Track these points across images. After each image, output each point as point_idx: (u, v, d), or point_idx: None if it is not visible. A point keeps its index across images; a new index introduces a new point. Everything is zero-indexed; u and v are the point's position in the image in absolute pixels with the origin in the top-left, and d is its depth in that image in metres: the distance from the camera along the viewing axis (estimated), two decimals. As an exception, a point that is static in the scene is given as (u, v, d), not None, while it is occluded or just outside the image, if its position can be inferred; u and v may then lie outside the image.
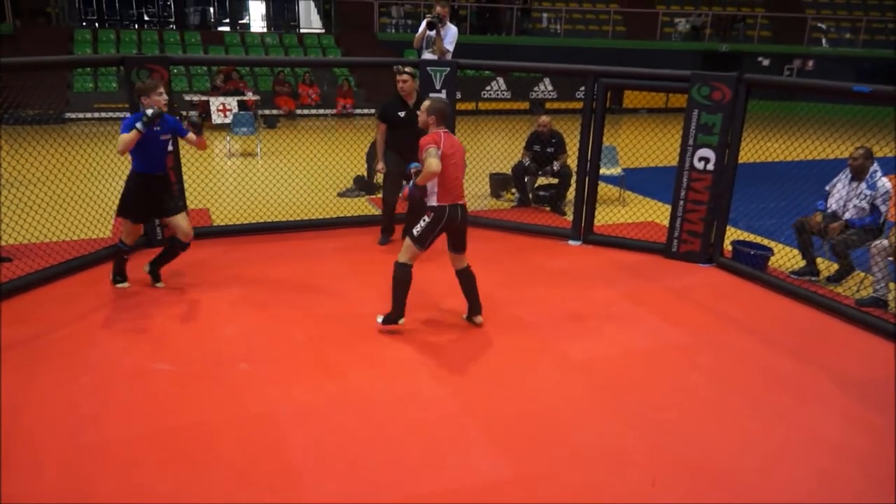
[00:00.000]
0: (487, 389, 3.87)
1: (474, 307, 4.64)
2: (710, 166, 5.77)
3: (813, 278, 5.70)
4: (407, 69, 6.13)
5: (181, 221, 4.93)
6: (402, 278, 4.36)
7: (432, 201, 4.26)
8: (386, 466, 3.15)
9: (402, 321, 4.45)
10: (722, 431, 3.52)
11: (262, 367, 4.02)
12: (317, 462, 3.17)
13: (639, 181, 8.73)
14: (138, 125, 4.48)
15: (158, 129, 4.68)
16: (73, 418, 3.45)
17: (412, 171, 4.37)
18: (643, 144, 7.22)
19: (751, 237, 6.61)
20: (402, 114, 6.09)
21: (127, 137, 4.47)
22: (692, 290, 5.44)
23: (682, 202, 5.98)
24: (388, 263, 5.63)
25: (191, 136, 4.95)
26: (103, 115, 13.78)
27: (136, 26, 18.96)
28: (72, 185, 5.69)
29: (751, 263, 5.74)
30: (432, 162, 4.07)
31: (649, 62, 18.11)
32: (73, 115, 13.97)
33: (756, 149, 6.83)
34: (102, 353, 4.13)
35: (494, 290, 5.31)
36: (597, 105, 6.16)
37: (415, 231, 4.29)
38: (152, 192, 4.81)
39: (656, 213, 7.21)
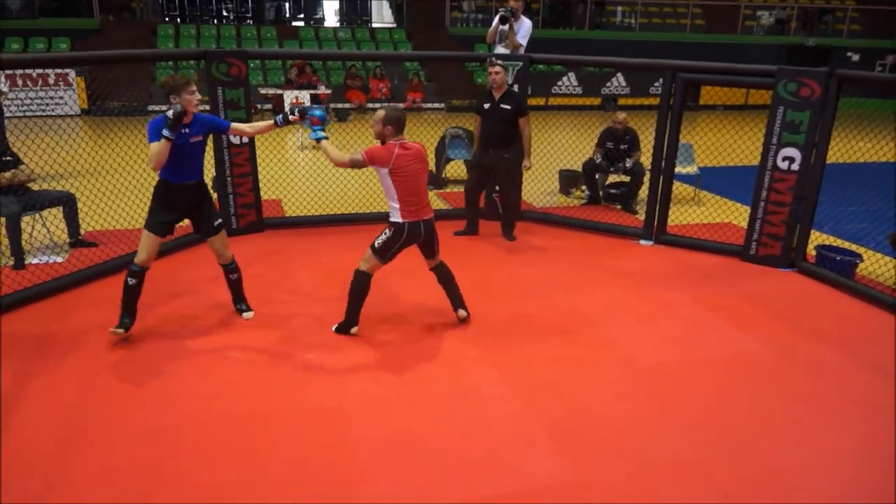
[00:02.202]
0: (551, 390, 3.79)
1: (456, 300, 4.52)
2: (796, 166, 5.49)
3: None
4: (499, 62, 6.18)
5: (216, 244, 4.40)
6: (359, 287, 4.23)
7: (393, 216, 4.12)
8: (446, 464, 3.12)
9: (355, 329, 4.32)
10: (798, 449, 3.32)
11: (328, 357, 4.06)
12: (377, 455, 3.17)
13: (715, 180, 8.41)
14: (165, 132, 3.88)
15: (187, 130, 4.07)
16: (147, 400, 3.57)
17: (295, 113, 4.33)
18: (721, 142, 6.96)
19: (837, 242, 6.27)
20: (486, 105, 6.21)
21: (157, 147, 3.88)
22: (770, 296, 5.19)
23: (762, 203, 5.72)
24: (457, 257, 5.60)
25: (238, 125, 4.55)
26: (183, 107, 14.24)
27: (216, 21, 19.51)
28: (153, 175, 5.87)
29: (837, 270, 5.43)
30: (338, 156, 4.07)
31: (729, 57, 17.44)
32: (155, 108, 14.50)
33: (845, 148, 6.48)
34: (179, 338, 4.27)
35: (559, 290, 5.21)
36: (674, 101, 5.95)
37: (376, 243, 4.16)
38: (185, 204, 4.25)
39: (733, 213, 6.93)
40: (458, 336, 4.39)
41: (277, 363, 4.00)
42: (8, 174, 5.39)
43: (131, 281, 4.14)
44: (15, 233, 5.26)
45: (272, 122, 4.40)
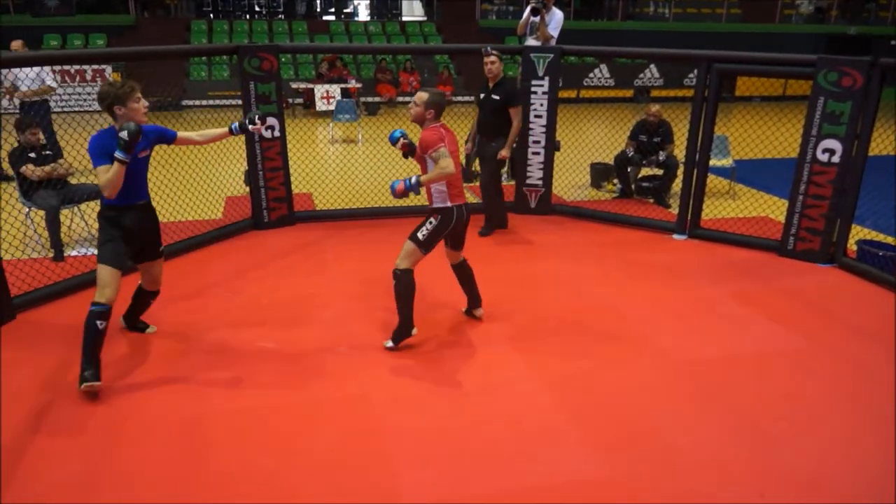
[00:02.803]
0: (581, 385, 3.75)
1: (474, 300, 4.43)
2: (836, 158, 5.35)
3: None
4: (494, 51, 6.05)
5: (155, 269, 3.97)
6: (406, 287, 3.97)
7: (441, 201, 3.94)
8: (476, 457, 3.11)
9: (414, 332, 4.10)
10: (837, 448, 3.24)
11: (360, 350, 4.07)
12: (408, 447, 3.17)
13: (751, 173, 8.25)
14: (119, 155, 3.34)
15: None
16: (183, 390, 3.62)
17: (400, 143, 4.03)
18: (757, 134, 6.81)
19: (879, 237, 6.10)
20: (482, 95, 6.14)
21: (112, 174, 3.37)
22: (809, 292, 5.07)
23: (801, 196, 5.58)
24: (486, 252, 5.57)
25: (186, 134, 3.96)
26: (216, 102, 14.44)
27: (248, 17, 19.69)
28: (185, 169, 5.96)
29: (879, 265, 5.28)
30: (448, 164, 3.76)
31: (766, 47, 17.07)
32: (189, 103, 14.69)
33: (888, 140, 6.29)
34: (212, 330, 4.32)
35: (590, 285, 5.16)
36: (709, 92, 5.83)
37: (420, 234, 3.92)
38: (137, 227, 3.70)
39: (770, 207, 6.78)
40: (488, 330, 4.37)
41: (309, 355, 4.02)
42: (48, 168, 5.50)
43: (101, 324, 3.50)
44: (54, 225, 5.37)
45: (226, 130, 4.03)
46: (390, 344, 4.05)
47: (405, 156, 4.17)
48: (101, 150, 3.39)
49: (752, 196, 7.79)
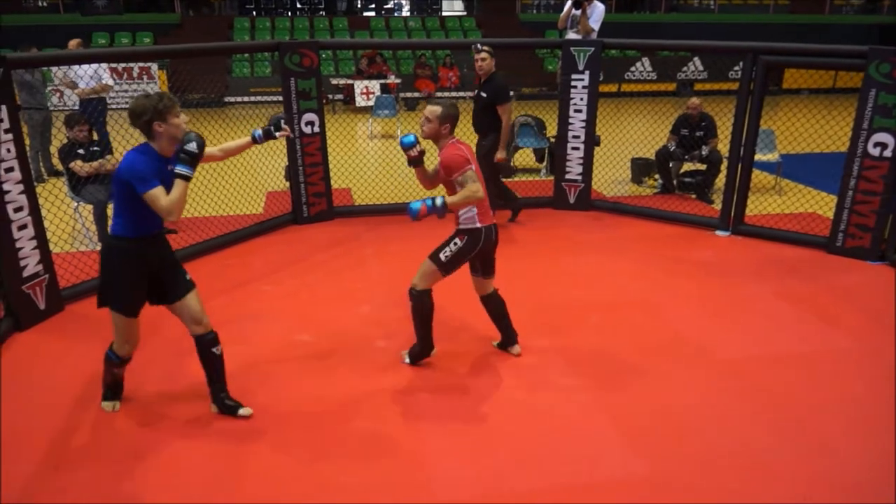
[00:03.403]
0: (620, 382, 3.71)
1: (510, 336, 3.97)
2: (888, 153, 5.17)
3: None
4: (485, 48, 5.92)
5: (193, 305, 3.23)
6: (424, 308, 3.69)
7: (468, 222, 3.57)
8: (513, 453, 3.10)
9: (434, 352, 3.87)
10: (884, 452, 3.13)
11: (397, 344, 4.08)
12: (446, 442, 3.18)
13: (798, 168, 8.02)
14: (183, 170, 2.94)
15: (171, 168, 3.04)
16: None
17: (416, 150, 3.64)
18: (805, 128, 6.62)
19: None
20: (475, 92, 6.04)
21: (176, 195, 2.93)
22: (858, 290, 4.92)
23: (850, 192, 5.41)
24: (524, 247, 5.54)
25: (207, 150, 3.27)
26: (258, 98, 14.65)
27: (290, 14, 19.91)
28: (227, 165, 6.06)
29: (931, 263, 5.11)
30: (477, 188, 3.44)
31: (815, 38, 16.59)
32: (231, 99, 14.93)
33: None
34: (253, 322, 4.39)
35: (630, 281, 5.09)
36: (755, 85, 5.69)
37: (442, 256, 3.59)
38: (158, 260, 3.17)
39: (818, 203, 6.59)
40: (526, 326, 4.34)
41: (346, 348, 4.06)
42: (95, 164, 5.65)
43: (116, 370, 3.34)
44: (101, 220, 5.51)
45: (248, 139, 3.63)
46: (408, 360, 3.86)
47: (412, 164, 3.73)
48: (147, 172, 2.91)
49: (798, 192, 7.58)
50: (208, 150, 3.35)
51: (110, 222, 3.14)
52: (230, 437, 3.21)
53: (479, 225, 3.57)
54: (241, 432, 3.25)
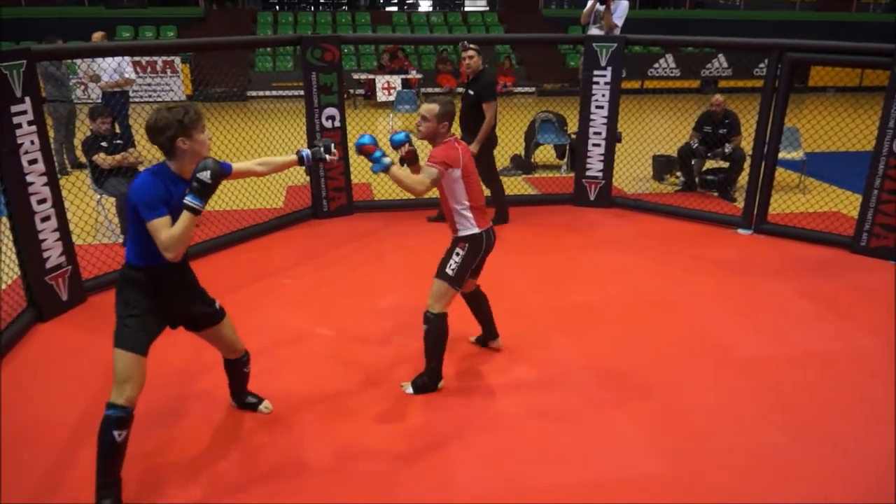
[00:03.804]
0: (639, 381, 3.69)
1: (491, 331, 3.92)
2: (915, 152, 5.08)
3: None
4: (472, 46, 5.82)
5: (227, 332, 3.08)
6: (439, 334, 3.44)
7: (467, 228, 3.44)
8: (533, 450, 3.10)
9: (441, 385, 3.58)
10: (913, 454, 3.09)
11: (414, 341, 4.07)
12: (466, 440, 3.18)
13: (823, 167, 7.91)
14: (194, 202, 2.56)
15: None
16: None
17: (406, 149, 3.49)
18: (830, 126, 6.52)
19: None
20: (461, 90, 5.96)
21: (179, 230, 2.55)
22: (882, 290, 4.84)
23: (876, 191, 5.32)
24: (544, 242, 5.52)
25: (243, 166, 3.17)
26: (280, 93, 14.73)
27: (312, 8, 19.97)
28: (249, 159, 6.10)
29: (959, 264, 5.01)
30: (421, 183, 3.25)
31: (842, 36, 16.33)
32: (253, 93, 15.02)
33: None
34: (272, 316, 4.42)
35: (649, 278, 5.05)
36: (780, 83, 5.61)
37: (449, 270, 3.40)
38: (177, 289, 2.85)
39: (842, 202, 6.49)
40: (543, 322, 4.34)
41: (364, 343, 4.07)
42: (118, 157, 5.72)
43: (119, 435, 2.61)
44: (123, 212, 5.57)
45: (293, 157, 3.19)
46: (410, 390, 3.53)
47: (403, 163, 3.52)
48: (155, 197, 2.55)
49: (823, 190, 7.47)
50: (245, 165, 3.13)
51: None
52: (248, 430, 3.24)
53: (478, 230, 3.45)
54: (260, 424, 3.28)
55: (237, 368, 3.23)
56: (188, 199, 2.56)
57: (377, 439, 3.18)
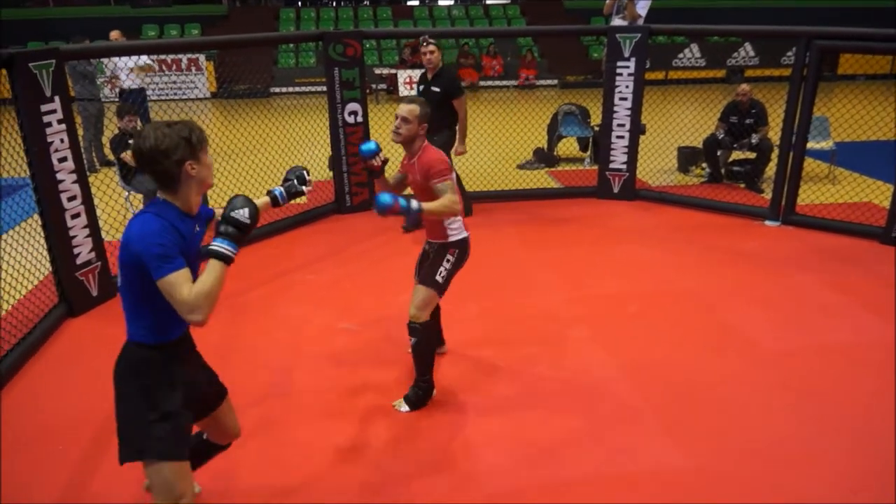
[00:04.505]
0: (662, 373, 3.66)
1: (439, 337, 3.81)
2: (948, 140, 4.96)
3: None
4: (432, 41, 5.68)
5: (228, 413, 2.50)
6: (428, 343, 3.36)
7: (456, 234, 3.34)
8: (552, 442, 3.09)
9: (433, 393, 3.46)
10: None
11: (436, 334, 4.10)
12: (483, 431, 3.18)
13: (853, 156, 7.75)
14: (227, 248, 2.01)
15: (198, 228, 2.21)
16: (270, 368, 3.76)
17: (378, 158, 3.22)
18: (861, 115, 6.39)
19: None
20: (422, 87, 5.76)
21: (211, 285, 1.95)
22: (915, 283, 4.75)
23: (908, 181, 5.22)
24: (567, 235, 5.50)
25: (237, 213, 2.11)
26: (303, 89, 14.81)
27: (334, 4, 20.05)
28: (271, 154, 6.16)
29: None
30: (455, 201, 3.12)
31: (873, 22, 15.99)
32: (277, 90, 15.14)
33: None
34: (296, 311, 4.46)
35: (674, 270, 5.01)
36: (808, 71, 5.51)
37: (438, 277, 3.30)
38: (194, 366, 2.33)
39: (874, 192, 6.36)
40: (566, 314, 4.32)
41: (386, 338, 4.09)
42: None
43: None
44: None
45: (266, 200, 2.59)
46: (405, 408, 3.36)
47: (372, 175, 3.34)
48: (172, 246, 1.96)
49: (853, 180, 7.33)
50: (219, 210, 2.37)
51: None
52: (268, 422, 3.28)
53: (466, 234, 3.38)
54: (280, 418, 3.31)
55: (215, 452, 2.60)
56: (219, 245, 2.00)
57: (400, 425, 3.20)
